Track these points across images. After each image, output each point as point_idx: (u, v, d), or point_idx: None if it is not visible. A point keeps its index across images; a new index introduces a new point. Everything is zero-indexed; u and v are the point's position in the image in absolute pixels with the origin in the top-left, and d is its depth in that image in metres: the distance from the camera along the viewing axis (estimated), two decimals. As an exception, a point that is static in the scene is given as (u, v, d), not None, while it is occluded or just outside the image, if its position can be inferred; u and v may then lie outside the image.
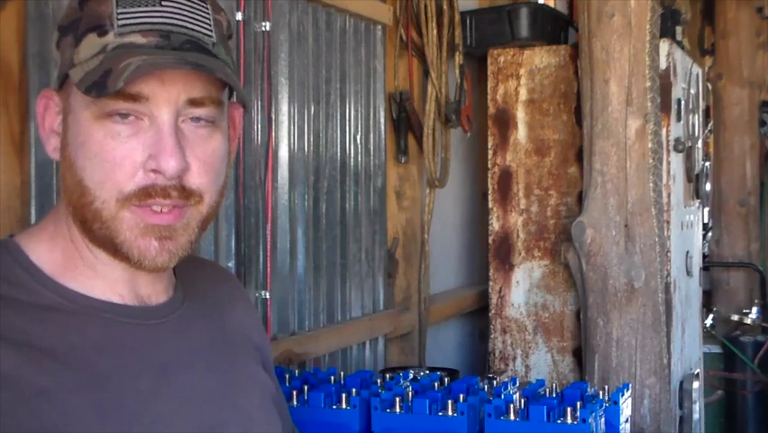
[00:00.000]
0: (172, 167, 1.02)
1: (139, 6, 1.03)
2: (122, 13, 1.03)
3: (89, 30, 1.04)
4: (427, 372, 2.52)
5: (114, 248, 1.06)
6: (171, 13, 1.04)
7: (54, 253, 1.09)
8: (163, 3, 1.04)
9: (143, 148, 1.03)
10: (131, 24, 1.02)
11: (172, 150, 1.03)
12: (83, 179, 1.04)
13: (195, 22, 1.06)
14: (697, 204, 3.72)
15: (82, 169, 1.04)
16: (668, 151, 3.21)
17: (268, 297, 2.45)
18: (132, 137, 1.03)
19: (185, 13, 1.05)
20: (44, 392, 0.98)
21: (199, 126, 1.06)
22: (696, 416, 3.37)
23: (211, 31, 1.07)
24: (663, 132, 3.14)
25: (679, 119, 3.31)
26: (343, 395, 1.92)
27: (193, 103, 1.05)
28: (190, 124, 1.06)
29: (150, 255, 1.05)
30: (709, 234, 5.56)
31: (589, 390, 2.01)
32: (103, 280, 1.09)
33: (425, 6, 3.24)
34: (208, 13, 1.08)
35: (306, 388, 1.94)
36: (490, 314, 3.48)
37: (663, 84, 3.10)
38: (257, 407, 1.23)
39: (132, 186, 1.03)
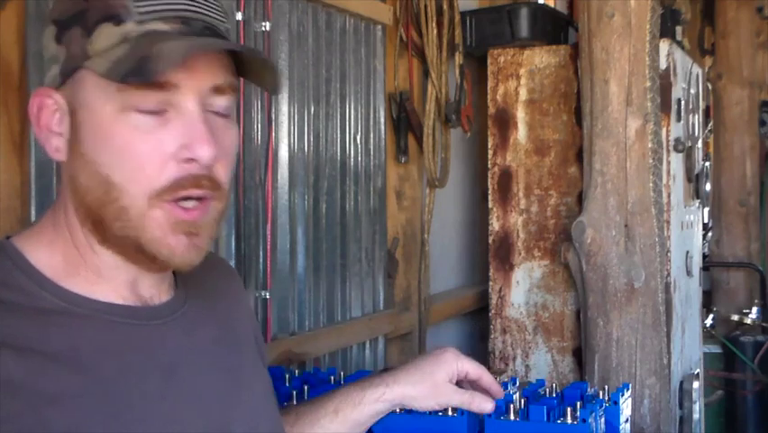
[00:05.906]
0: (207, 154, 1.01)
1: None
2: (138, 2, 1.01)
3: (102, 20, 1.01)
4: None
5: (136, 247, 1.03)
6: (186, 1, 1.03)
7: (55, 258, 1.06)
8: None
9: (173, 139, 1.01)
10: (151, 12, 1.01)
11: (207, 137, 1.01)
12: (109, 175, 1.01)
13: (208, 9, 1.05)
14: (697, 204, 3.72)
15: (107, 165, 1.01)
16: (668, 151, 3.21)
17: (268, 297, 2.45)
18: (159, 128, 1.01)
19: (199, 0, 1.05)
20: (51, 399, 0.96)
21: (218, 118, 1.05)
22: (696, 416, 3.37)
23: (225, 18, 1.07)
24: (663, 132, 3.14)
25: (679, 119, 3.31)
26: (343, 395, 1.92)
27: (216, 90, 1.04)
28: (211, 115, 1.04)
29: (179, 252, 1.03)
30: (709, 234, 5.57)
31: (589, 390, 2.01)
32: (106, 284, 1.07)
33: (425, 6, 3.24)
34: (218, 1, 1.07)
35: (305, 388, 1.94)
36: (490, 314, 3.48)
37: (663, 84, 3.10)
38: (262, 403, 1.22)
39: (163, 180, 1.01)
